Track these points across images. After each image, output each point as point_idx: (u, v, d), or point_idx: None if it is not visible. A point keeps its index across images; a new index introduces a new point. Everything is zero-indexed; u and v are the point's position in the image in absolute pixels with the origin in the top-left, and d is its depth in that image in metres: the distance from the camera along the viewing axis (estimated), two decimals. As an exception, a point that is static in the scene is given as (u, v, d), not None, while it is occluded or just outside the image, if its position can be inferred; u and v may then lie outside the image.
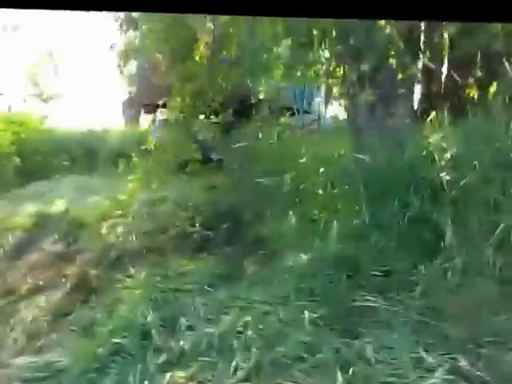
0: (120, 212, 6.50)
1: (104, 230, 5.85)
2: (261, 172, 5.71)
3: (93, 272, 4.56)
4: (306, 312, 2.95)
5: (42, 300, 4.24)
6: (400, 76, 4.51)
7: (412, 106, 4.31)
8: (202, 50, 6.96)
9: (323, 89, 7.60)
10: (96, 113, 32.82)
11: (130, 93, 24.33)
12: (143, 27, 6.96)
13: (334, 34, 5.85)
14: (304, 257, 3.72)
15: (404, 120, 4.36)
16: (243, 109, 6.74)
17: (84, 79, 34.63)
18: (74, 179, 9.40)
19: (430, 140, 4.00)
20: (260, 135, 6.51)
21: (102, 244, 5.28)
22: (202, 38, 6.96)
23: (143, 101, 12.22)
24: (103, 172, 10.32)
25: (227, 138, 6.57)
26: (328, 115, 8.45)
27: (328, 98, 7.95)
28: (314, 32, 6.07)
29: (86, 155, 11.09)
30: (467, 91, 4.98)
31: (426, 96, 5.85)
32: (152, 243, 5.13)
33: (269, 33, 6.81)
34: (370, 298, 3.13)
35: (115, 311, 3.56)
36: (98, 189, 8.64)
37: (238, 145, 5.91)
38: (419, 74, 5.38)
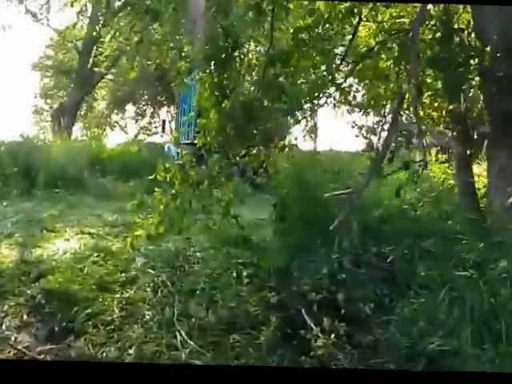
0: (126, 275, 4.04)
1: (117, 313, 3.39)
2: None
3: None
4: None
5: None
6: None
7: None
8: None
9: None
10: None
11: (61, 104, 20.97)
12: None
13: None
14: None
15: None
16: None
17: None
18: (14, 207, 6.50)
19: None
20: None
21: (133, 347, 2.86)
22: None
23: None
24: (51, 197, 7.47)
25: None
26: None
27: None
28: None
29: (22, 173, 8.09)
30: None
31: None
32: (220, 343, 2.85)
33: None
34: None
35: None
36: (54, 224, 5.90)
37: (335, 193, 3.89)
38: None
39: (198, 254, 4.62)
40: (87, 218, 6.17)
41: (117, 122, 28.23)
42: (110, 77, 25.84)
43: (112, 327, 3.22)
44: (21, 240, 4.86)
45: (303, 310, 3.24)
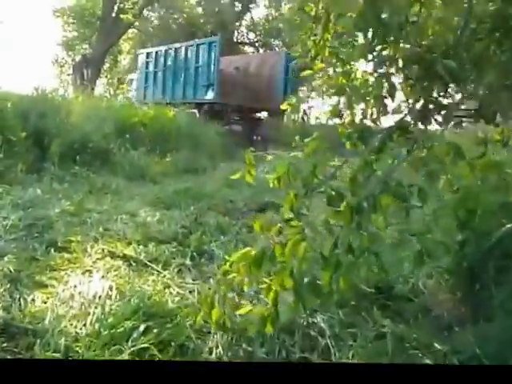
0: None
1: None
2: None
3: None
4: None
5: None
6: None
7: None
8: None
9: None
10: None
11: (83, 55, 18.72)
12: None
13: None
14: None
15: None
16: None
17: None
18: (13, 195, 4.44)
19: None
20: None
21: None
22: None
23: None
24: (67, 178, 5.42)
25: None
26: None
27: None
28: None
29: (32, 140, 6.01)
30: None
31: None
32: None
33: None
34: None
35: None
36: (67, 230, 3.80)
37: None
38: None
39: (323, 324, 2.52)
40: (116, 218, 4.10)
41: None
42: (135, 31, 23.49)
43: None
44: (11, 269, 2.82)
45: None
